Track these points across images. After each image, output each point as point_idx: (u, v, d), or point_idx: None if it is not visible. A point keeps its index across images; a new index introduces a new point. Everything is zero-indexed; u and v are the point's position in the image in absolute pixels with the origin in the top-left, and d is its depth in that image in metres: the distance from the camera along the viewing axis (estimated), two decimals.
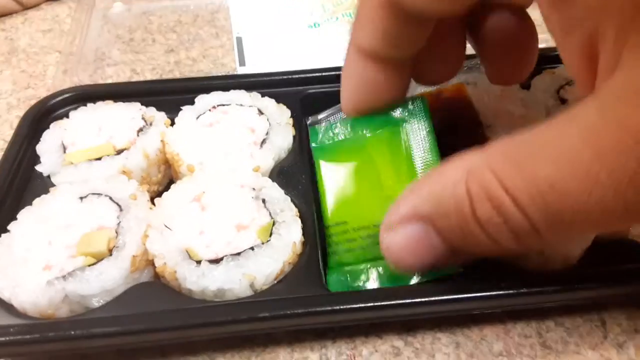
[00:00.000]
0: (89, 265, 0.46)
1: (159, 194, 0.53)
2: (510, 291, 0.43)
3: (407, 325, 0.47)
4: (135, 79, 0.78)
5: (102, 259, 0.46)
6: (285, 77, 0.68)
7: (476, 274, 0.45)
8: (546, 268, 0.46)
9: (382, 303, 0.43)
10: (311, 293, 0.45)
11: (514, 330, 0.47)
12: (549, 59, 0.67)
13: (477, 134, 0.53)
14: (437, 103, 0.57)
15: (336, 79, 0.67)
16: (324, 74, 0.68)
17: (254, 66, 0.79)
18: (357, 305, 0.43)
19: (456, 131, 0.55)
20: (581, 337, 0.46)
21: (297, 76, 0.68)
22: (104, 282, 0.45)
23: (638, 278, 0.45)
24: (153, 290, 0.45)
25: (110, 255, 0.46)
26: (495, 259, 0.47)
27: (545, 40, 0.77)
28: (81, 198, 0.51)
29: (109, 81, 0.77)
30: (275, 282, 0.46)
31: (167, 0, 0.94)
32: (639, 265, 0.46)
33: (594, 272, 0.45)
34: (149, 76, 0.78)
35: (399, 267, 0.40)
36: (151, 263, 0.47)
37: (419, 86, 0.61)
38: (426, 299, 0.43)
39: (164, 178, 0.58)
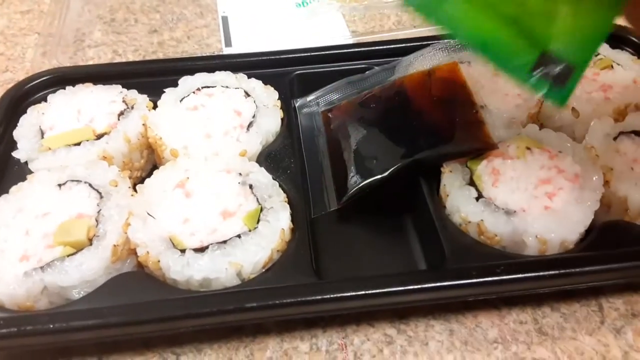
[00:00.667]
0: (68, 256, 0.44)
1: (142, 180, 0.51)
2: (505, 277, 0.42)
3: (400, 312, 0.46)
4: (117, 60, 0.75)
5: (81, 249, 0.44)
6: (272, 57, 0.65)
7: (470, 260, 0.44)
8: (543, 253, 0.45)
9: (374, 291, 0.42)
10: (301, 281, 0.43)
11: (509, 316, 0.46)
12: None
13: (470, 114, 0.51)
14: (430, 82, 0.56)
15: (326, 59, 0.66)
16: (312, 53, 0.65)
17: (240, 47, 0.76)
18: (349, 294, 0.42)
19: (450, 111, 0.53)
20: (578, 323, 0.45)
21: (285, 56, 0.65)
22: (84, 272, 0.43)
23: (635, 261, 0.44)
24: (136, 281, 0.44)
25: (91, 244, 0.44)
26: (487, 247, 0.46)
27: None
28: (59, 185, 0.49)
29: (90, 63, 0.75)
30: (264, 270, 0.44)
31: None
32: (636, 248, 0.45)
33: (590, 256, 0.44)
34: (131, 58, 0.75)
35: None
36: (133, 252, 0.45)
37: (411, 65, 0.60)
38: (419, 286, 0.42)
39: (147, 163, 0.56)
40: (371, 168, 0.51)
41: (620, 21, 0.75)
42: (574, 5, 0.39)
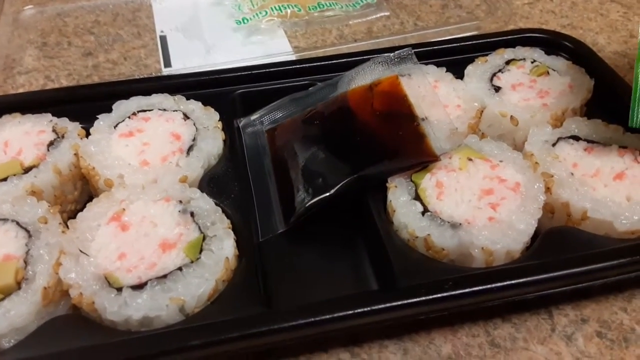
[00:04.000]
0: None
1: (76, 214, 0.48)
2: (454, 292, 0.41)
3: (353, 335, 0.45)
4: (50, 86, 0.71)
5: (9, 294, 0.41)
6: (212, 77, 0.64)
7: (419, 276, 0.43)
8: (490, 264, 0.45)
9: (326, 317, 0.40)
10: (249, 312, 0.41)
11: (462, 330, 0.45)
12: (481, 46, 0.66)
13: (412, 127, 0.51)
14: (372, 96, 0.55)
15: (268, 76, 0.65)
16: (254, 72, 0.64)
17: (180, 66, 0.74)
18: (300, 322, 0.40)
19: (392, 125, 0.53)
20: (529, 332, 0.45)
21: (225, 75, 0.64)
22: (13, 320, 0.40)
23: (580, 266, 0.44)
24: (70, 325, 0.41)
25: (19, 288, 0.41)
26: (435, 262, 0.45)
27: (476, 28, 0.76)
28: None
29: (21, 91, 0.71)
30: (209, 303, 0.42)
31: (83, 0, 0.87)
32: (581, 253, 0.45)
33: (537, 265, 0.44)
34: (65, 83, 0.72)
35: None
36: (67, 294, 0.42)
37: (353, 80, 0.59)
38: (370, 308, 0.41)
39: (82, 195, 0.53)
40: (317, 186, 0.50)
41: (557, 28, 0.77)
42: None
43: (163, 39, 0.79)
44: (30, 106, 0.58)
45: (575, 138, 0.53)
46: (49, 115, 0.56)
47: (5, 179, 0.49)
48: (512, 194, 0.47)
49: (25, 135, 0.53)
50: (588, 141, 0.52)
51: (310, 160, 0.53)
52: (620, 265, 0.44)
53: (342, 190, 0.49)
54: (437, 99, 0.55)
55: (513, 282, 0.43)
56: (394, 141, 0.51)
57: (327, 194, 0.49)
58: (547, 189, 0.48)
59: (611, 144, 0.52)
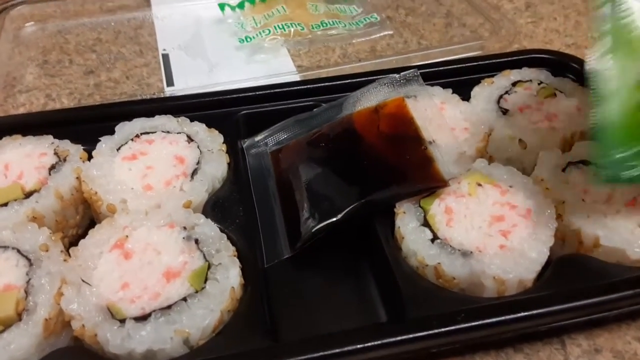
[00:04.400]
0: None
1: (79, 238, 0.47)
2: (467, 325, 0.40)
3: None
4: (51, 105, 0.71)
5: (10, 326, 0.40)
6: (216, 97, 0.63)
7: (428, 306, 0.42)
8: (502, 294, 0.44)
9: (333, 351, 0.39)
10: (255, 344, 0.40)
11: None
12: (486, 67, 0.66)
13: (420, 151, 0.50)
14: (378, 118, 0.54)
15: (272, 97, 0.64)
16: (258, 92, 0.63)
17: (182, 85, 0.73)
18: (307, 356, 0.39)
19: (399, 148, 0.52)
20: None
21: (229, 96, 0.63)
22: (13, 353, 0.39)
23: (594, 296, 0.43)
24: (72, 358, 0.40)
25: (20, 320, 0.40)
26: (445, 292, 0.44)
27: (480, 47, 0.76)
28: None
29: (21, 110, 0.70)
30: (214, 334, 0.41)
31: (85, 17, 0.87)
32: (594, 282, 0.44)
33: (550, 296, 0.43)
34: (66, 101, 0.71)
35: None
36: (69, 324, 0.41)
37: (358, 101, 0.59)
38: (381, 342, 0.40)
39: (84, 219, 0.52)
40: (324, 211, 0.49)
41: (561, 47, 0.77)
42: None
43: (165, 57, 0.78)
44: (32, 127, 0.57)
45: (585, 162, 0.52)
46: (51, 137, 0.55)
47: (5, 204, 0.48)
48: (523, 220, 0.46)
49: (27, 157, 0.53)
50: None
51: (316, 183, 0.52)
52: (635, 295, 0.43)
53: (349, 215, 0.48)
54: (444, 122, 0.54)
55: (526, 314, 0.41)
56: (402, 165, 0.51)
57: (334, 218, 0.48)
58: (559, 216, 0.47)
59: None
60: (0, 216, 0.47)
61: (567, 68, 0.66)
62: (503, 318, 0.41)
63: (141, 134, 0.55)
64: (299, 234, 0.49)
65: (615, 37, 0.44)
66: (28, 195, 0.49)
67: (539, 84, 0.62)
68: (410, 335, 0.40)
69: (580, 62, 0.67)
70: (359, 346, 0.39)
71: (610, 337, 0.46)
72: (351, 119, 0.56)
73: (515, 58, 0.67)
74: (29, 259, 0.44)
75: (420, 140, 0.51)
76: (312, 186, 0.52)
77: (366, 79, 0.62)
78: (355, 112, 0.57)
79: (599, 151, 0.43)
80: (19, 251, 0.44)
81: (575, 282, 0.44)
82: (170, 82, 0.74)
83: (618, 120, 0.43)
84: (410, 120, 0.53)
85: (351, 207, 0.49)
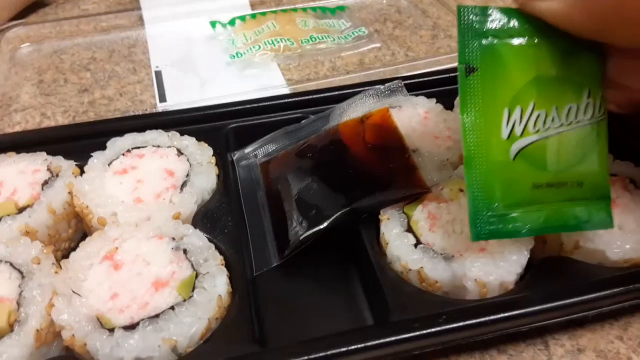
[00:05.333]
0: None
1: (72, 251, 0.48)
2: (449, 326, 0.41)
3: None
4: (46, 123, 0.72)
5: (2, 336, 0.41)
6: (206, 112, 0.64)
7: (413, 310, 0.43)
8: (484, 296, 0.45)
9: (320, 354, 0.40)
10: (242, 351, 0.41)
11: None
12: None
13: (403, 159, 0.52)
14: (363, 129, 0.56)
15: (260, 110, 0.65)
16: (247, 106, 0.65)
17: (175, 101, 0.75)
18: None
19: (384, 157, 0.53)
20: None
21: (218, 110, 0.64)
22: None
23: (575, 297, 0.44)
24: None
25: (12, 331, 0.41)
26: (429, 295, 0.45)
27: None
28: None
29: (17, 128, 0.72)
30: (202, 342, 0.42)
31: (80, 37, 0.89)
32: (575, 284, 0.45)
33: (531, 296, 0.44)
34: (61, 120, 0.72)
35: None
36: (59, 335, 0.42)
37: (344, 112, 0.60)
38: (364, 344, 0.41)
39: (76, 233, 0.54)
40: (311, 219, 0.50)
41: None
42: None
43: (158, 74, 0.80)
44: (25, 145, 0.58)
45: None
46: (44, 153, 0.56)
47: None
48: None
49: (20, 174, 0.54)
50: None
51: (304, 193, 0.53)
52: (615, 294, 0.44)
53: (335, 223, 0.50)
54: (428, 131, 0.55)
55: (508, 314, 0.42)
56: (386, 173, 0.52)
57: (321, 226, 0.49)
58: None
59: None
60: None
61: None
62: (484, 319, 0.42)
63: (132, 148, 0.57)
64: (287, 242, 0.50)
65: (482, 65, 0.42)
66: (21, 210, 0.50)
67: None
68: (393, 338, 0.41)
69: None
70: (343, 349, 0.40)
71: (593, 337, 0.47)
72: (337, 129, 0.57)
73: None
74: (21, 272, 0.45)
75: (403, 149, 0.53)
76: (300, 195, 0.53)
77: (353, 90, 0.64)
78: (342, 123, 0.58)
79: (469, 209, 0.43)
80: (11, 264, 0.45)
81: (556, 283, 0.45)
82: (162, 98, 0.76)
83: (483, 179, 0.43)
84: (394, 129, 0.54)
85: (337, 214, 0.50)
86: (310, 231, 0.50)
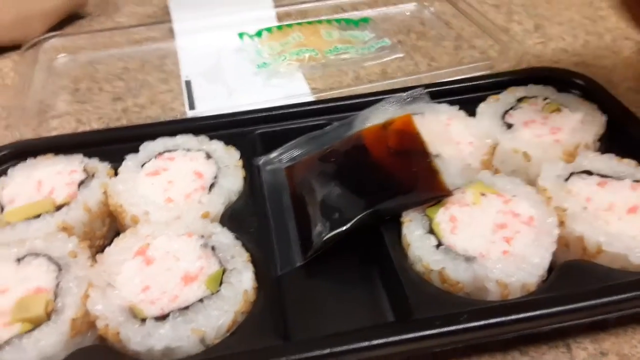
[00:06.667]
0: (26, 332, 0.42)
1: (104, 248, 0.50)
2: (470, 324, 0.42)
3: None
4: (81, 129, 0.75)
5: (40, 324, 0.43)
6: (233, 118, 0.67)
7: (434, 310, 0.44)
8: (506, 298, 0.45)
9: (343, 348, 0.41)
10: (267, 344, 0.43)
11: None
12: (493, 85, 0.68)
13: (425, 164, 0.53)
14: (386, 134, 0.57)
15: (286, 117, 0.67)
16: (273, 112, 0.67)
17: (204, 108, 0.77)
18: (316, 353, 0.41)
19: (406, 161, 0.54)
20: None
21: (245, 117, 0.67)
22: (43, 349, 0.42)
23: (597, 299, 0.44)
24: (96, 355, 0.42)
25: (49, 319, 0.43)
26: (450, 296, 0.46)
27: (489, 67, 0.78)
28: (18, 260, 0.48)
29: (54, 133, 0.75)
30: (228, 334, 0.44)
31: (113, 48, 0.93)
32: (598, 286, 0.45)
33: (552, 298, 0.44)
34: (95, 126, 0.76)
35: None
36: (94, 325, 0.44)
37: (367, 119, 0.62)
38: (387, 340, 0.42)
39: (109, 231, 0.56)
40: (334, 221, 0.52)
41: (569, 66, 0.79)
42: None
43: (188, 84, 0.83)
44: (63, 148, 0.61)
45: (588, 173, 0.54)
46: (80, 156, 0.59)
47: (38, 216, 0.52)
48: (525, 227, 0.48)
49: (58, 175, 0.57)
50: (601, 175, 0.53)
51: (327, 196, 0.54)
52: (638, 297, 0.44)
53: (358, 225, 0.51)
54: (450, 136, 0.56)
55: (528, 314, 0.43)
56: (408, 177, 0.53)
57: (344, 228, 0.51)
58: (561, 223, 0.49)
59: (624, 178, 0.53)
60: (33, 227, 0.51)
61: (572, 84, 0.68)
62: (506, 318, 0.42)
63: (164, 152, 0.59)
64: (310, 243, 0.52)
65: None
66: (59, 208, 0.53)
67: (544, 99, 0.64)
68: (415, 334, 0.42)
69: (585, 78, 0.68)
70: (366, 344, 0.41)
71: (616, 341, 0.47)
72: (361, 135, 0.58)
73: (521, 76, 0.69)
74: (58, 265, 0.47)
75: (425, 153, 0.54)
76: (324, 198, 0.54)
77: (376, 98, 0.65)
78: (365, 129, 0.59)
79: None
80: (49, 258, 0.48)
81: (578, 286, 0.45)
82: (192, 106, 0.78)
83: None
84: (416, 135, 0.55)
85: (359, 216, 0.51)
86: (333, 232, 0.51)
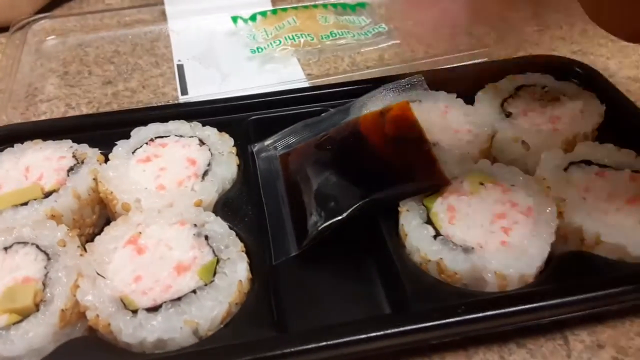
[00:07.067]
0: (14, 324, 0.41)
1: (94, 236, 0.49)
2: (467, 317, 0.41)
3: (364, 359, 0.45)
4: (70, 113, 0.73)
5: (28, 315, 0.42)
6: (227, 104, 0.65)
7: (431, 300, 0.43)
8: (504, 289, 0.45)
9: (338, 340, 0.40)
10: (261, 335, 0.42)
11: (476, 356, 0.45)
12: (491, 72, 0.67)
13: (423, 152, 0.52)
14: (383, 121, 0.56)
15: (281, 103, 0.66)
16: (267, 98, 0.66)
17: (196, 94, 0.76)
18: (311, 346, 0.40)
19: (403, 149, 0.53)
20: (544, 358, 0.45)
21: (240, 102, 0.65)
22: (31, 341, 0.41)
23: (596, 291, 0.44)
24: (86, 347, 0.41)
25: (37, 310, 0.42)
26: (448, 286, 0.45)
27: (486, 55, 0.77)
28: (5, 248, 0.47)
29: (42, 118, 0.73)
30: (222, 326, 0.43)
31: (104, 31, 0.90)
32: (596, 278, 0.45)
33: (551, 289, 0.44)
34: (85, 110, 0.74)
35: None
36: (84, 316, 0.43)
37: (364, 106, 0.60)
38: (383, 332, 0.41)
39: (99, 219, 0.55)
40: (330, 210, 0.51)
41: (567, 54, 0.78)
42: None
43: (180, 68, 0.81)
44: (52, 133, 0.59)
45: (587, 162, 0.53)
46: (70, 141, 0.57)
47: (26, 203, 0.50)
48: (524, 218, 0.47)
49: (46, 160, 0.55)
50: (600, 165, 0.53)
51: (323, 184, 0.53)
52: (636, 290, 0.44)
53: (354, 214, 0.50)
54: (448, 124, 0.55)
55: (526, 306, 0.42)
56: (405, 165, 0.52)
57: (340, 217, 0.50)
58: (560, 214, 0.48)
59: (623, 168, 0.52)
60: (20, 214, 0.49)
61: (570, 73, 0.67)
62: (503, 311, 0.42)
63: (155, 137, 0.58)
64: (305, 232, 0.51)
65: None
66: (47, 195, 0.51)
67: (542, 88, 0.63)
68: (412, 327, 0.41)
69: (584, 66, 0.68)
70: (362, 336, 0.40)
71: (613, 333, 0.47)
72: (357, 122, 0.57)
73: (519, 63, 0.68)
74: (47, 254, 0.46)
75: (423, 141, 0.53)
76: (319, 187, 0.53)
77: (372, 85, 0.64)
78: (362, 115, 0.58)
79: None
80: (37, 246, 0.46)
81: (576, 277, 0.45)
82: (184, 91, 0.77)
83: None
84: (414, 122, 0.54)
85: (356, 205, 0.50)
86: (329, 222, 0.50)
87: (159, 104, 0.73)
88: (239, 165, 0.57)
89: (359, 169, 0.53)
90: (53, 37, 0.89)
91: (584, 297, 0.43)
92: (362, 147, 0.55)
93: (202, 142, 0.57)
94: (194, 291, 0.43)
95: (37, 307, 0.42)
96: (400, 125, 0.55)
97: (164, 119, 0.60)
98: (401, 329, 0.41)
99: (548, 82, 0.64)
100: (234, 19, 0.88)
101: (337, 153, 0.56)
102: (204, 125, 0.60)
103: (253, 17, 0.88)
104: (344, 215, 0.50)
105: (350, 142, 0.56)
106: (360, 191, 0.51)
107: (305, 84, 0.74)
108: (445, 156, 0.52)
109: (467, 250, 0.45)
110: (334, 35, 0.83)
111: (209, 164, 0.55)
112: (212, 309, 0.42)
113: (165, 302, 0.42)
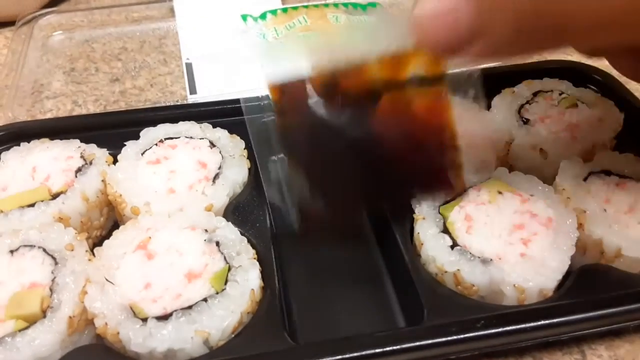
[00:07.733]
0: (20, 330, 0.40)
1: (102, 240, 0.48)
2: (486, 332, 0.40)
3: None
4: (77, 111, 0.72)
5: (35, 322, 0.41)
6: (238, 105, 0.64)
7: (448, 313, 0.42)
8: (522, 302, 0.44)
9: (351, 354, 0.39)
10: (273, 346, 0.41)
11: None
12: (508, 78, 0.66)
13: (445, 154, 0.49)
14: (412, 106, 0.53)
15: None
16: None
17: (205, 93, 0.75)
18: (327, 359, 0.39)
19: (427, 147, 0.50)
20: None
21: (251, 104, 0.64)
22: (38, 349, 0.40)
23: (615, 306, 0.43)
24: (94, 355, 0.40)
25: (44, 317, 0.41)
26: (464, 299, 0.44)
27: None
28: (11, 251, 0.45)
29: (48, 115, 0.72)
30: (233, 335, 0.42)
31: (111, 27, 0.89)
32: (615, 293, 0.44)
33: (572, 304, 0.42)
34: (92, 108, 0.73)
35: (427, 41, 0.38)
36: (92, 322, 0.42)
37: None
38: (399, 347, 0.40)
39: (108, 221, 0.53)
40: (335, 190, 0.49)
41: (581, 57, 0.76)
42: None
43: (189, 66, 0.80)
44: (59, 132, 0.58)
45: (607, 172, 0.52)
46: (77, 141, 0.56)
47: (32, 205, 0.49)
48: (544, 229, 0.46)
49: (54, 160, 0.54)
50: (620, 176, 0.51)
51: (333, 168, 0.50)
52: None
53: (364, 202, 0.48)
54: (466, 131, 0.54)
55: (546, 322, 0.41)
56: (425, 165, 0.49)
57: (349, 206, 0.48)
58: (580, 225, 0.47)
59: None
60: (27, 216, 0.48)
61: (587, 79, 0.66)
62: (522, 326, 0.41)
63: (165, 139, 0.56)
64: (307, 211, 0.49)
65: None
66: (55, 196, 0.50)
67: (560, 94, 0.62)
68: (429, 341, 0.40)
69: (602, 73, 0.66)
70: (377, 350, 0.39)
71: (631, 348, 0.45)
72: (383, 104, 0.52)
73: (536, 69, 0.67)
74: (54, 258, 0.45)
75: (450, 143, 0.50)
76: (328, 169, 0.50)
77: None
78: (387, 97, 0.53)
79: None
80: (44, 250, 0.45)
81: (596, 291, 0.44)
82: (193, 90, 0.75)
83: None
84: (450, 121, 0.50)
85: (364, 198, 0.49)
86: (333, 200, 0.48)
87: (168, 104, 0.72)
88: (250, 169, 0.56)
89: (375, 159, 0.48)
90: (60, 32, 0.88)
91: (605, 312, 0.42)
92: (382, 137, 0.48)
93: (212, 144, 0.56)
94: (205, 300, 0.41)
95: (44, 313, 0.41)
96: (433, 120, 0.51)
97: (174, 120, 0.59)
98: (419, 343, 0.40)
99: (565, 87, 0.63)
100: (244, 17, 0.86)
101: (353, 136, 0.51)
102: (214, 126, 0.59)
103: (263, 16, 0.86)
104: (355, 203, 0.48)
105: (370, 128, 0.51)
106: (373, 185, 0.49)
107: None
108: (464, 162, 0.50)
109: (485, 261, 0.44)
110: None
111: (219, 167, 0.54)
112: (223, 319, 0.41)
113: (175, 310, 0.41)
